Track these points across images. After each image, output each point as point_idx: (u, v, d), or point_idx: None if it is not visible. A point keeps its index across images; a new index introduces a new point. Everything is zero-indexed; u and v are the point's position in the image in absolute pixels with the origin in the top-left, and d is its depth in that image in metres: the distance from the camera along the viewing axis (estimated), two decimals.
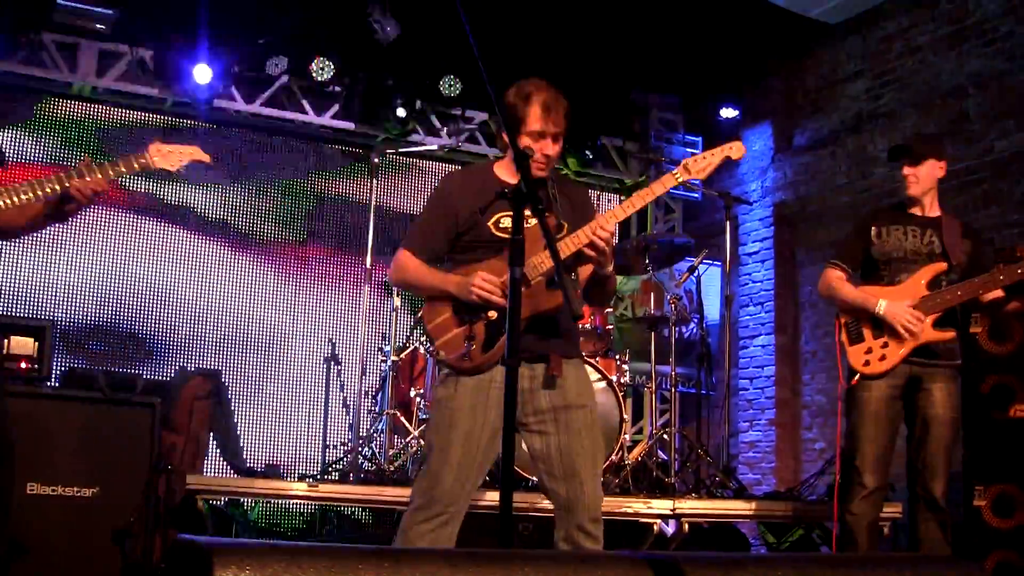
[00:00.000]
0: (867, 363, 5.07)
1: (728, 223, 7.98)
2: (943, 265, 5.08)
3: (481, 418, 3.81)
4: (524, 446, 3.88)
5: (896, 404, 5.10)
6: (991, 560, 5.35)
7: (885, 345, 5.03)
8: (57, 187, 3.89)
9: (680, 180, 3.98)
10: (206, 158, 4.22)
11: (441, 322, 3.90)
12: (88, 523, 5.49)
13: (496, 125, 4.14)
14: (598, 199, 10.64)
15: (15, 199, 3.85)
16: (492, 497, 5.86)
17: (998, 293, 5.06)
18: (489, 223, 3.90)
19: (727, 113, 10.31)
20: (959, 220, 5.34)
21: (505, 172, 4.03)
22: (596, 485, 3.89)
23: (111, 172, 3.98)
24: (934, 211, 5.27)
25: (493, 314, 3.82)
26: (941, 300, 4.99)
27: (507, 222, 3.86)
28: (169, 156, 4.09)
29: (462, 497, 3.81)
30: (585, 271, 4.01)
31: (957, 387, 5.14)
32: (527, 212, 3.30)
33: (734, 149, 4.05)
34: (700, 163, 3.98)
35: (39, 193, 3.88)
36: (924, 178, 5.21)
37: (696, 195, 10.76)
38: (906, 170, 5.23)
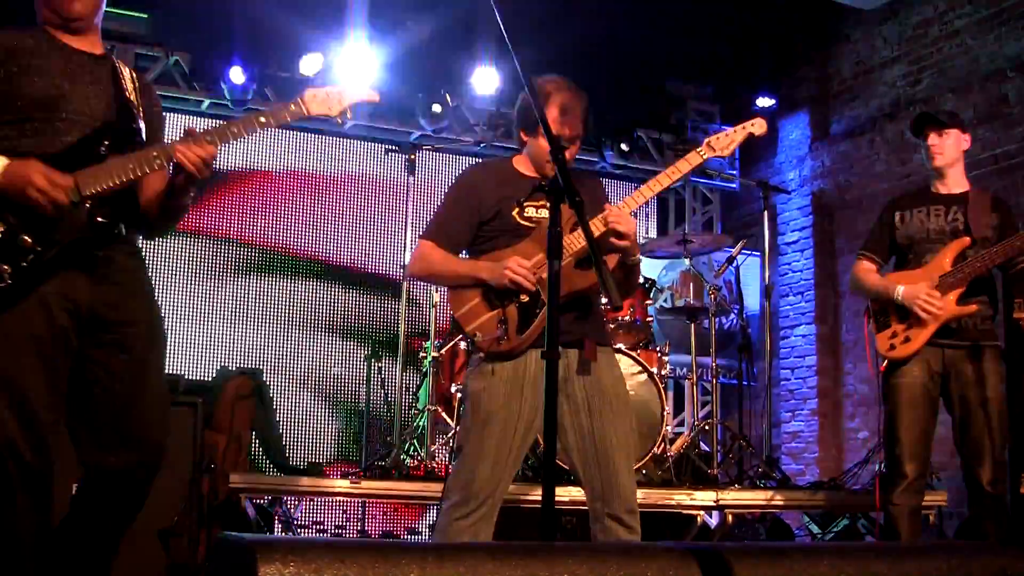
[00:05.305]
0: (892, 347, 5.04)
1: (766, 213, 7.94)
2: (967, 240, 4.97)
3: (516, 409, 3.79)
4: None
5: (933, 390, 5.01)
6: None
7: (909, 327, 5.00)
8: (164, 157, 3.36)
9: (705, 157, 3.97)
10: (375, 96, 3.77)
11: (470, 308, 3.88)
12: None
13: (518, 121, 4.13)
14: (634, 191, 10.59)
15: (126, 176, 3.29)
16: (534, 491, 5.85)
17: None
18: (513, 212, 3.92)
19: (763, 102, 10.24)
20: (988, 193, 5.23)
21: (524, 166, 4.07)
22: (631, 475, 3.86)
23: (255, 123, 3.48)
24: (960, 187, 5.17)
25: (524, 297, 3.81)
26: (962, 275, 4.91)
27: (531, 211, 3.91)
28: (327, 100, 3.56)
29: (498, 490, 3.80)
30: (610, 261, 4.01)
31: (996, 367, 5.01)
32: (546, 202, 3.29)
33: (756, 125, 4.04)
34: (723, 140, 3.99)
35: (148, 168, 3.33)
36: (949, 149, 5.12)
37: (734, 185, 10.71)
38: (931, 139, 5.13)
